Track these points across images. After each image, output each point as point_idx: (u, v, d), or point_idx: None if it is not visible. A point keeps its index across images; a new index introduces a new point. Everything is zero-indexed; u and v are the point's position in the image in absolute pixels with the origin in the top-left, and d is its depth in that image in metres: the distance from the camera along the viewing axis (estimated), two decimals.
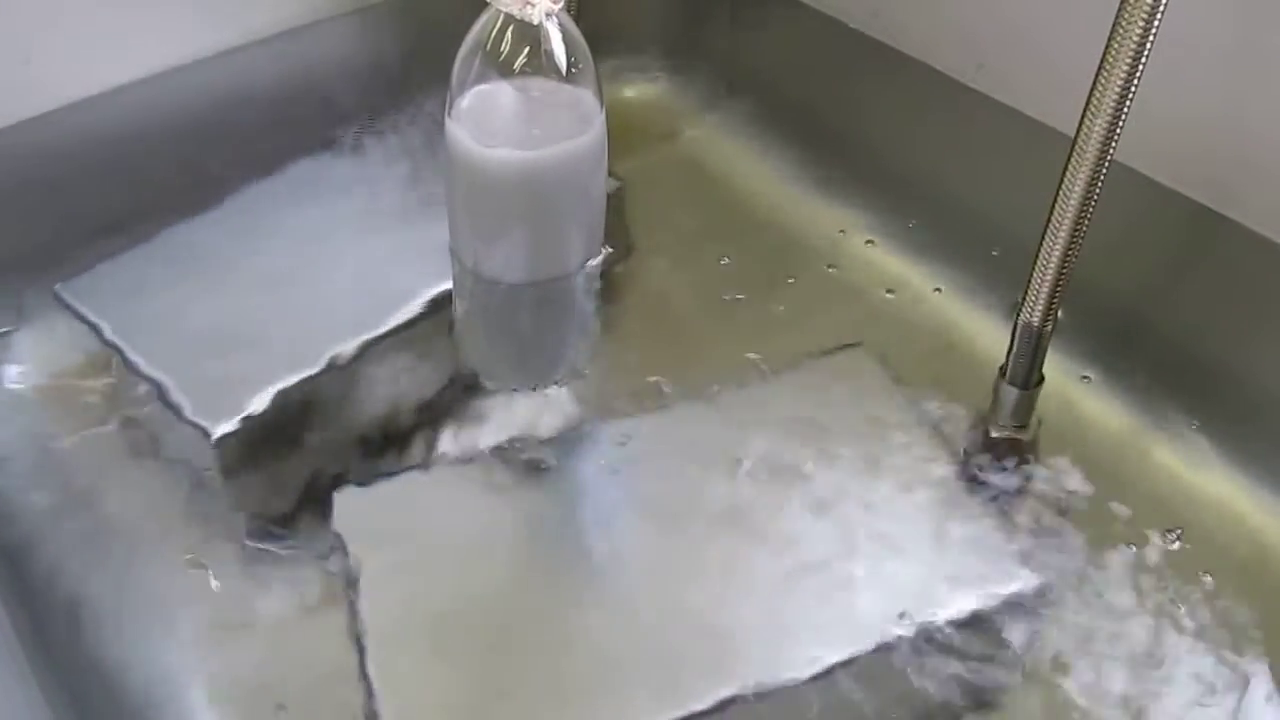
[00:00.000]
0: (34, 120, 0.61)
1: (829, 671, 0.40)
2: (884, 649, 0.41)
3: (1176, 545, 0.44)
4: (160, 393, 0.49)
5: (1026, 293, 0.46)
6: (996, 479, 0.47)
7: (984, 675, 0.40)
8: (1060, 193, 0.43)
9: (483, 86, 0.51)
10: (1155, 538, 0.44)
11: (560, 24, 0.50)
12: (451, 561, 0.44)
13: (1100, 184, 0.43)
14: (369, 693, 0.40)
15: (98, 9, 0.62)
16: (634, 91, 0.67)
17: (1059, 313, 0.46)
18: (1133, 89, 0.40)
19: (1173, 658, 0.41)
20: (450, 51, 0.51)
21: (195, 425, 0.48)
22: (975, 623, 0.42)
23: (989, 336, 0.52)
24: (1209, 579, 0.43)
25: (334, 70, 0.67)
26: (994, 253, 0.56)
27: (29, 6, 0.59)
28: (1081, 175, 0.42)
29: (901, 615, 0.42)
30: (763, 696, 0.40)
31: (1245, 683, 0.40)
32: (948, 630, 0.41)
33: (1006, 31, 0.62)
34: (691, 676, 0.40)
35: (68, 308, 0.53)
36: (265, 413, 0.48)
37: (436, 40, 0.54)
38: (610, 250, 0.56)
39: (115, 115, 0.63)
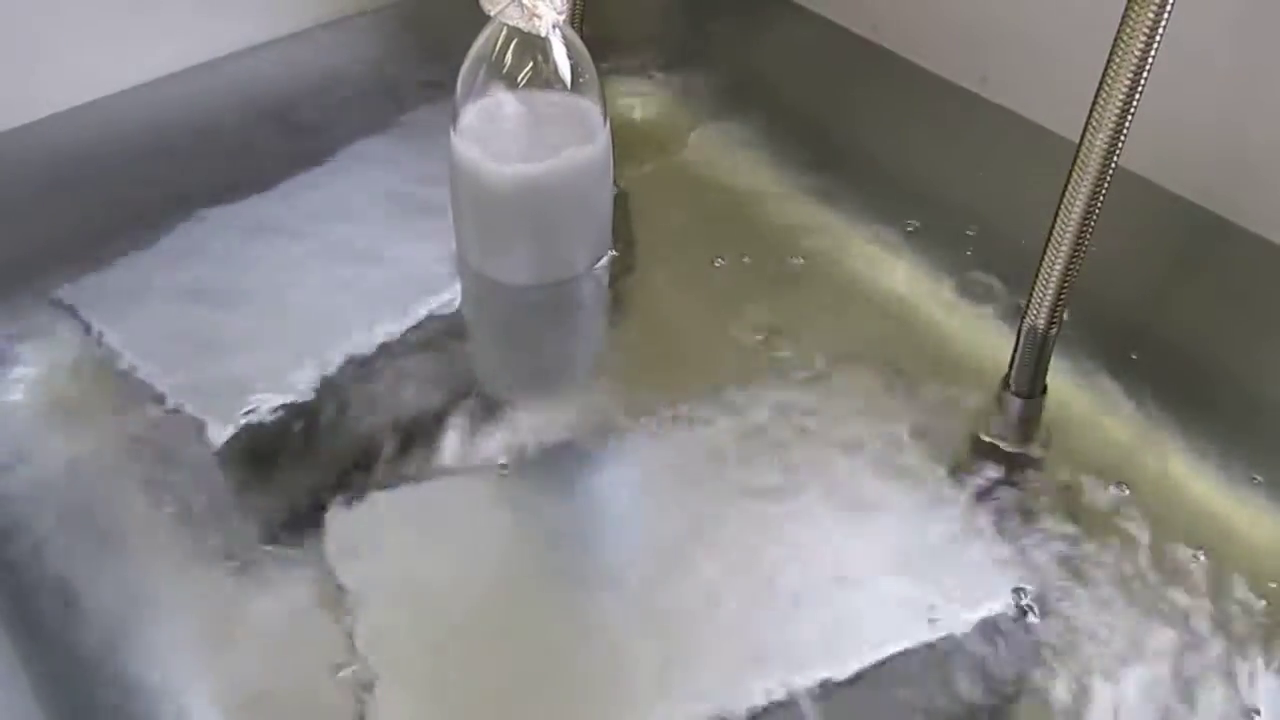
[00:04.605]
0: (36, 124, 0.61)
1: (826, 680, 0.40)
2: (883, 657, 0.41)
3: (1200, 557, 0.44)
4: (160, 398, 0.49)
5: (1031, 297, 0.46)
6: (1000, 489, 0.46)
7: (985, 687, 0.40)
8: (1065, 198, 0.43)
9: (486, 100, 0.51)
10: (1166, 549, 0.44)
11: (563, 36, 0.50)
12: (451, 570, 0.44)
13: (1105, 189, 0.43)
14: (368, 698, 0.39)
15: (100, 14, 0.62)
16: (638, 101, 0.67)
17: (1064, 317, 0.46)
18: (1137, 95, 0.41)
19: (1185, 671, 0.40)
20: (456, 55, 0.51)
21: (195, 430, 0.48)
22: (976, 633, 0.41)
23: (994, 346, 0.52)
24: (1220, 588, 0.43)
25: (338, 75, 0.67)
26: (999, 259, 0.56)
27: (30, 13, 0.60)
28: (1086, 181, 0.42)
29: (902, 626, 0.41)
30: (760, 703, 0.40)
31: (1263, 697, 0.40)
32: (948, 641, 0.41)
33: (1010, 39, 0.62)
34: (692, 683, 0.40)
35: (69, 312, 0.53)
36: (266, 418, 0.48)
37: (443, 46, 0.54)
38: (614, 258, 0.56)
39: (117, 120, 0.63)
